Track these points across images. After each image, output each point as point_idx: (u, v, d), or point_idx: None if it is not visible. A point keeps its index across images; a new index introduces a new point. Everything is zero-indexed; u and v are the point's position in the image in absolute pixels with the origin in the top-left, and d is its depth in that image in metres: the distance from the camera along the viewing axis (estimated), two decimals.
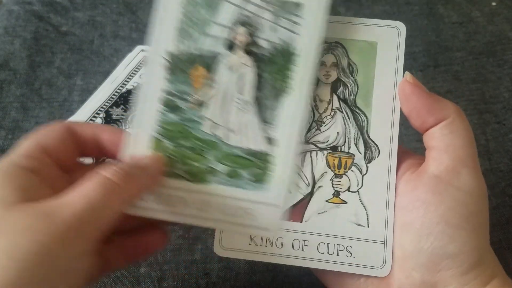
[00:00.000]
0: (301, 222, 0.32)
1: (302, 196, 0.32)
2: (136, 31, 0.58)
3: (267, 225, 0.31)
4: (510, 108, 0.52)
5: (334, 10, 0.33)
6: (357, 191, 0.32)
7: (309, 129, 0.33)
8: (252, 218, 0.30)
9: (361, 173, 0.32)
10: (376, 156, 0.32)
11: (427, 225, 0.29)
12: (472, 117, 0.51)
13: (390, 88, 0.32)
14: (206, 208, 0.30)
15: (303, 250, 0.31)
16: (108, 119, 0.49)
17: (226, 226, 0.31)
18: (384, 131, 0.32)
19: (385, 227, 0.31)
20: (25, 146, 0.28)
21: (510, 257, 0.41)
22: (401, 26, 0.33)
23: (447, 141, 0.30)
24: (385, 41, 0.33)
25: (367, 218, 0.31)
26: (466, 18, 0.60)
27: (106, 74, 0.53)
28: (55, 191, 0.26)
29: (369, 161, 0.32)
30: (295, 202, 0.32)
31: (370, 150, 0.32)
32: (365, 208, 0.31)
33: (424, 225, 0.29)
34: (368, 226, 0.31)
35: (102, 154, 0.32)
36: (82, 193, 0.25)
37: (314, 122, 0.33)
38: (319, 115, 0.33)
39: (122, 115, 0.49)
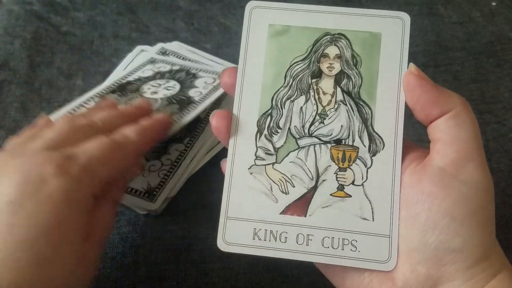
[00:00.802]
0: (305, 216, 0.31)
1: (306, 190, 0.32)
2: (136, 31, 0.58)
3: None
4: (510, 108, 0.52)
5: None
6: (362, 184, 0.31)
7: (312, 122, 0.32)
8: None
9: (365, 166, 0.32)
10: (381, 149, 0.32)
11: (433, 219, 0.28)
12: None
13: (394, 80, 0.32)
14: None
15: (307, 245, 0.31)
16: None
17: None
18: (389, 124, 0.32)
19: (390, 220, 0.31)
20: None
21: (510, 257, 0.41)
22: (406, 17, 0.33)
23: (452, 133, 0.30)
24: (389, 32, 0.32)
25: (372, 211, 0.31)
26: (466, 18, 0.60)
27: (106, 74, 0.53)
28: None
29: (374, 154, 0.32)
30: (299, 196, 0.32)
31: (374, 143, 0.32)
32: (369, 202, 0.31)
33: (429, 219, 0.29)
34: (373, 220, 0.31)
35: None
36: None
37: (318, 115, 0.32)
38: (322, 108, 0.32)
39: (117, 99, 0.48)
